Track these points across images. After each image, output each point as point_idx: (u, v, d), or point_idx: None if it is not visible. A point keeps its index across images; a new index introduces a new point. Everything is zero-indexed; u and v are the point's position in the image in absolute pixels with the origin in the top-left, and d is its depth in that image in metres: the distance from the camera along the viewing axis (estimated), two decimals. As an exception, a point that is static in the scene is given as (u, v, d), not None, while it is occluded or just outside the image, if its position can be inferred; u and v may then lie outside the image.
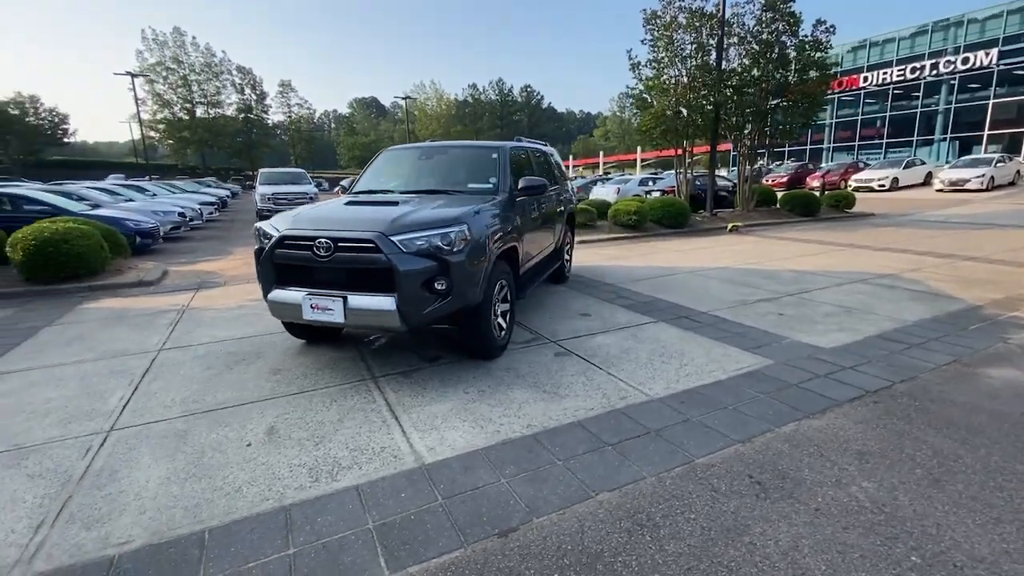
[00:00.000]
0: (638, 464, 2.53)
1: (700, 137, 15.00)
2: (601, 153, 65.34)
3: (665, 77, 14.20)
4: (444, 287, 3.42)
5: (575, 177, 27.99)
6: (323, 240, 3.42)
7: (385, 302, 3.34)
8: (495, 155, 4.80)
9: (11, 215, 9.43)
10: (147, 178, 30.94)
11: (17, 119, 49.42)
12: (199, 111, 58.63)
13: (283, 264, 3.63)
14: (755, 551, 1.94)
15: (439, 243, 3.41)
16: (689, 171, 15.46)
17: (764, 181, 23.05)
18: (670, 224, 12.45)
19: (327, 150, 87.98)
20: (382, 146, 72.69)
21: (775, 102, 14.15)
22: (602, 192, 19.99)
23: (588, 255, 9.07)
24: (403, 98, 63.78)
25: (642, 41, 14.05)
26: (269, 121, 65.48)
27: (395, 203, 4.00)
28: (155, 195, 18.76)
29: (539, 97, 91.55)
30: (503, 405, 3.23)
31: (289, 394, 3.46)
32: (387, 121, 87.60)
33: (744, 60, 13.94)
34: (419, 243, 3.37)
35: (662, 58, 14.05)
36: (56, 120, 54.92)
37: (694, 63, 13.76)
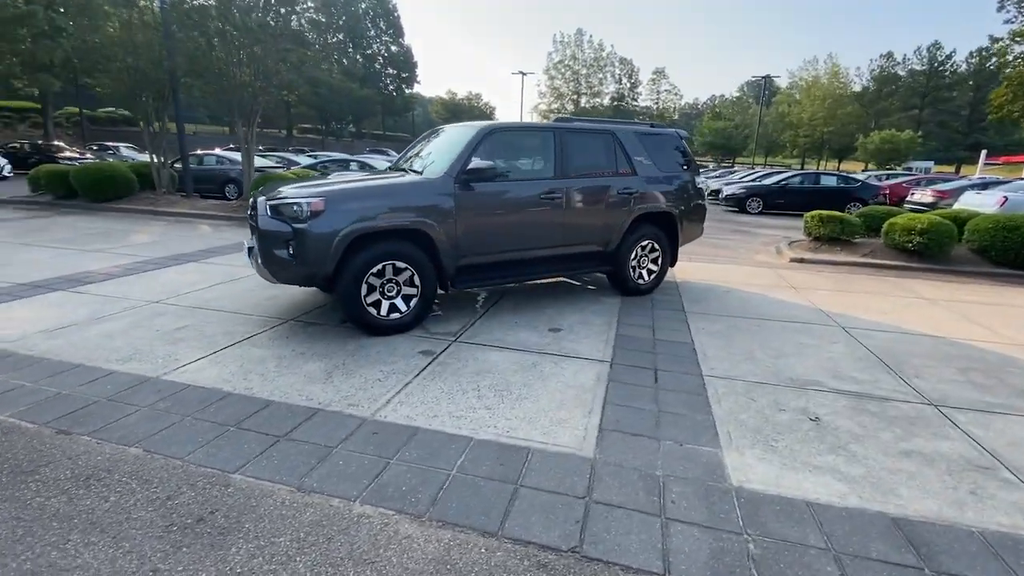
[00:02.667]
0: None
1: None
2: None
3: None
4: (291, 253, 3.75)
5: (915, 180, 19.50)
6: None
7: (261, 258, 3.94)
8: (470, 135, 4.45)
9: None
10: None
11: (465, 109, 69.29)
12: (582, 101, 67.97)
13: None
14: None
15: (288, 212, 3.75)
16: None
17: None
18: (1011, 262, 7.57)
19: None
20: (744, 132, 68.00)
21: None
22: (975, 202, 13.35)
23: (783, 281, 6.82)
24: (766, 78, 56.38)
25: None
26: (636, 107, 69.87)
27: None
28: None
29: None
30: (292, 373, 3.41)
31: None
32: (759, 104, 79.55)
33: None
34: (280, 210, 3.79)
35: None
36: (488, 113, 74.04)
37: None
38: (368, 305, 3.98)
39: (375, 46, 58.51)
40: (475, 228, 4.32)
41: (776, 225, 13.80)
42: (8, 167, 18.89)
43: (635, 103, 70.53)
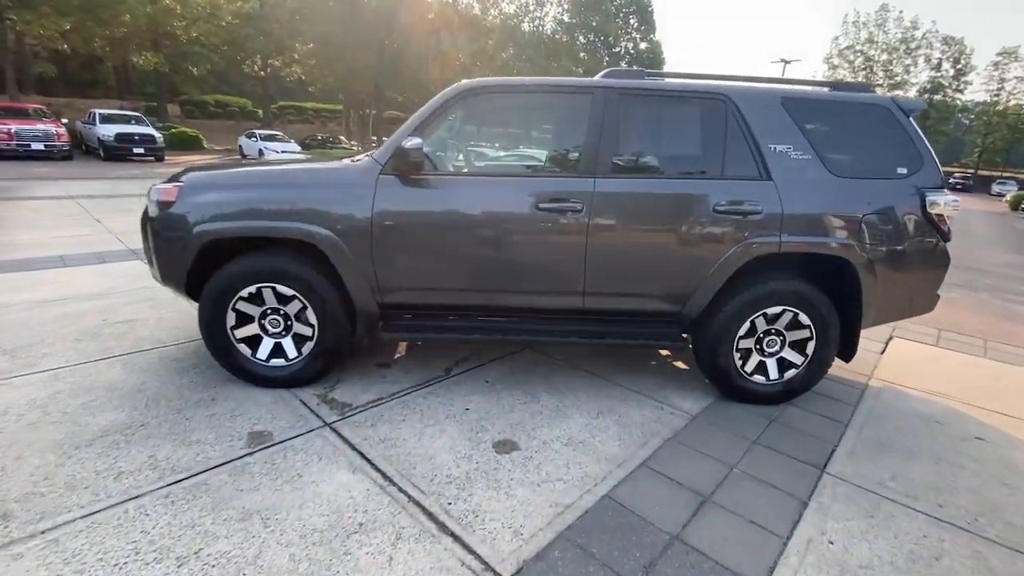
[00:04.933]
0: None
1: None
2: None
3: None
4: (149, 253, 2.76)
5: None
6: None
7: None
8: (439, 101, 2.71)
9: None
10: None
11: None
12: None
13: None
14: None
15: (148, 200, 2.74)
16: None
17: None
18: None
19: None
20: None
21: None
22: None
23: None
24: None
25: None
26: (959, 102, 52.55)
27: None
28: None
29: None
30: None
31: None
32: None
33: None
34: (150, 196, 2.82)
35: None
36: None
37: None
38: (239, 341, 2.76)
39: (623, 43, 57.22)
40: (411, 248, 2.65)
41: None
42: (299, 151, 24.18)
43: (958, 95, 52.94)
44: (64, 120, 19.03)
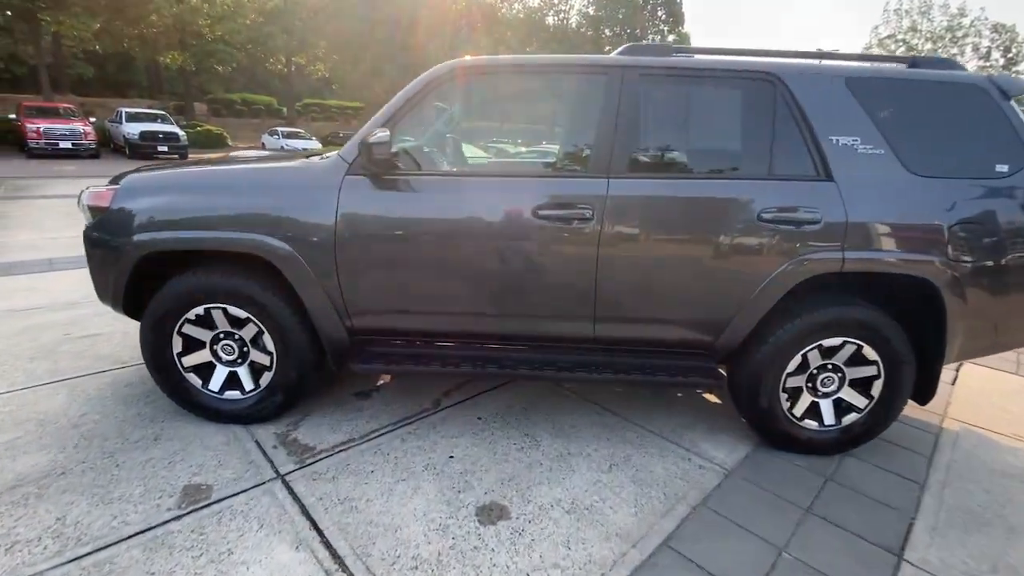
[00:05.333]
0: None
1: None
2: None
3: None
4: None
5: None
6: None
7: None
8: (417, 86, 2.24)
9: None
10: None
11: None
12: (915, 86, 51.67)
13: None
14: None
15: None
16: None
17: None
18: None
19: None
20: None
21: None
22: None
23: None
24: None
25: None
26: (1011, 93, 49.45)
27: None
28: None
29: None
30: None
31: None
32: None
33: None
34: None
35: None
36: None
37: None
38: (187, 369, 2.36)
39: (650, 36, 55.75)
40: (383, 262, 2.20)
41: None
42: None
43: (1010, 86, 49.83)
44: (92, 119, 19.33)
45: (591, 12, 45.90)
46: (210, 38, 25.91)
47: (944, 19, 50.40)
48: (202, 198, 2.21)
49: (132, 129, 17.48)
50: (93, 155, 16.40)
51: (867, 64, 2.39)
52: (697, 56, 2.34)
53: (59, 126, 16.22)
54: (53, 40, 23.70)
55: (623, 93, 2.17)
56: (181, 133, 18.41)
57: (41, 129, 15.80)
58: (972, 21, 49.57)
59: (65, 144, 16.06)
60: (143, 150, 17.11)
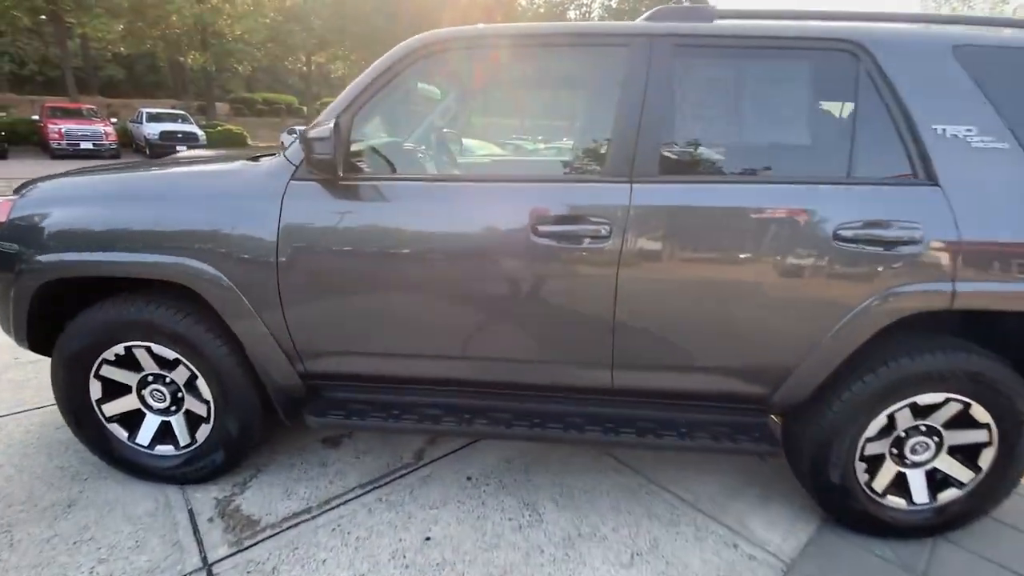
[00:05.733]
0: None
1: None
2: None
3: None
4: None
5: None
6: None
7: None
8: (384, 65, 1.75)
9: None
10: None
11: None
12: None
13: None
14: None
15: None
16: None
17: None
18: None
19: None
20: None
21: None
22: None
23: None
24: None
25: None
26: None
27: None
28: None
29: None
30: None
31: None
32: None
33: None
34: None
35: None
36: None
37: None
38: (110, 419, 1.93)
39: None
40: (338, 289, 1.72)
41: None
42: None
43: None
44: (114, 119, 19.50)
45: (614, 5, 44.96)
46: (230, 38, 26.01)
47: (986, 5, 47.86)
48: (116, 210, 1.76)
49: (152, 129, 17.54)
50: (114, 155, 16.45)
51: (979, 28, 1.81)
52: (748, 22, 1.79)
53: (80, 127, 16.34)
54: (81, 43, 24.07)
55: (652, 70, 1.64)
56: (200, 133, 18.43)
57: (63, 130, 15.93)
58: (1015, 9, 46.98)
59: (86, 145, 16.16)
60: (162, 149, 17.13)
